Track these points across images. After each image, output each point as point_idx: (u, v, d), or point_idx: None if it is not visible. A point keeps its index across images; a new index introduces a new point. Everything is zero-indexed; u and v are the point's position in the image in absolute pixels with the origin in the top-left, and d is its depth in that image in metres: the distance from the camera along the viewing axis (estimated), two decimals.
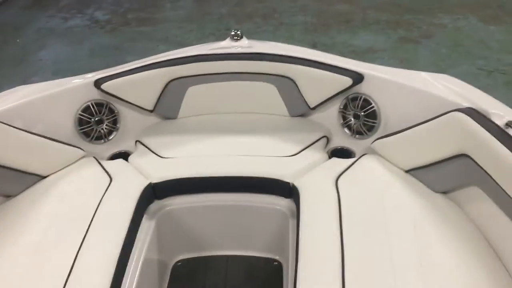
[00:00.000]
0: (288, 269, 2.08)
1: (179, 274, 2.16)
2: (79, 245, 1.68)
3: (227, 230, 2.18)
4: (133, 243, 1.81)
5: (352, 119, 2.24)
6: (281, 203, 2.03)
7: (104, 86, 2.17)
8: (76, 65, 5.03)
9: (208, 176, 2.03)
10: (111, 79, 2.19)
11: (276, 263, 2.18)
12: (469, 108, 1.76)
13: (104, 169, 2.07)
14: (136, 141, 2.31)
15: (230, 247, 2.22)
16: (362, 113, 2.19)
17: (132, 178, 2.01)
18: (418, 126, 1.89)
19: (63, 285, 1.52)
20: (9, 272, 1.60)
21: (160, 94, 2.31)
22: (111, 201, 1.88)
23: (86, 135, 2.25)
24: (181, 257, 2.23)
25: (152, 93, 2.30)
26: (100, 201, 1.88)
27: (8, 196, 1.99)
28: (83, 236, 1.72)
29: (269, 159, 2.09)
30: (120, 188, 1.95)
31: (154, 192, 2.01)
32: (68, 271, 1.58)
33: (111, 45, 5.52)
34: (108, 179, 2.01)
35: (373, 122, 2.17)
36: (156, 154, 2.16)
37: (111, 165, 2.11)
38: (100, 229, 1.75)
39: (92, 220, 1.78)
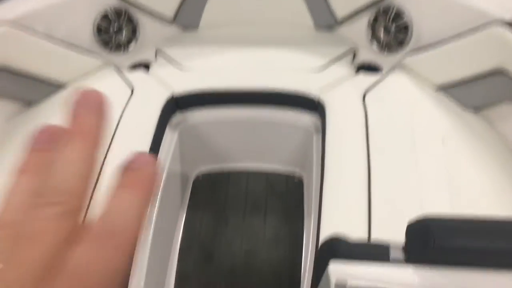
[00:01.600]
0: (310, 184, 2.09)
1: (200, 186, 2.18)
2: (104, 156, 1.68)
3: (248, 145, 2.17)
4: (157, 155, 1.81)
5: (382, 32, 2.13)
6: (305, 118, 2.00)
7: None
8: None
9: (231, 89, 1.98)
10: None
11: (297, 178, 2.18)
12: (510, 22, 1.65)
13: (125, 79, 2.03)
14: (157, 52, 2.23)
15: (251, 161, 2.23)
16: (393, 27, 2.08)
17: (154, 89, 1.97)
18: (453, 41, 1.79)
19: (89, 196, 1.54)
20: None
21: (181, 2, 2.21)
22: (134, 112, 1.86)
23: (105, 44, 2.18)
24: (202, 170, 2.24)
25: (172, 1, 2.20)
26: (122, 112, 1.86)
27: (29, 104, 1.97)
28: (106, 148, 1.72)
29: (294, 73, 2.02)
30: (142, 99, 1.92)
31: (177, 104, 1.98)
32: (94, 181, 1.59)
33: None
34: (129, 90, 1.97)
35: (404, 37, 2.06)
36: (178, 65, 2.10)
37: (132, 76, 2.06)
38: (123, 141, 1.74)
39: (115, 132, 1.77)
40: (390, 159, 1.61)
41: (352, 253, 0.93)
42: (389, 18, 2.07)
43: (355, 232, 1.40)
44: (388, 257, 0.92)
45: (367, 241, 1.22)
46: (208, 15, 2.30)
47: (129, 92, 1.96)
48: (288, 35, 2.25)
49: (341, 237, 1.00)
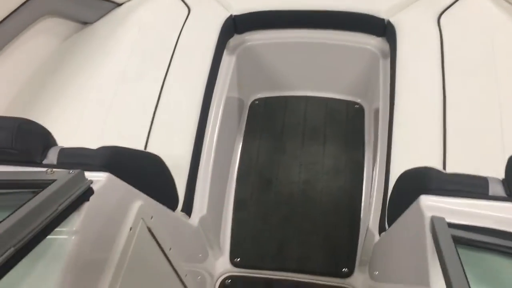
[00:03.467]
0: (372, 112, 2.00)
1: (256, 112, 2.12)
2: (163, 78, 1.63)
3: (308, 70, 2.06)
4: (216, 79, 1.75)
5: None
6: (372, 41, 1.86)
7: None
8: None
9: (293, 10, 1.85)
10: None
11: (358, 106, 2.09)
12: None
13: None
14: None
15: (310, 87, 2.13)
16: None
17: (211, 9, 1.86)
18: None
19: (151, 117, 1.51)
20: (98, 99, 1.59)
21: None
22: (191, 33, 1.78)
23: None
24: (258, 95, 2.17)
25: None
26: (180, 33, 1.78)
27: (85, 23, 1.92)
28: (166, 69, 1.66)
29: None
30: (200, 20, 1.82)
31: (235, 25, 1.88)
32: (155, 102, 1.56)
33: None
34: (186, 9, 1.87)
35: None
36: None
37: None
38: (182, 63, 1.68)
39: (173, 53, 1.71)
40: (468, 88, 1.49)
41: (446, 186, 0.86)
42: None
43: (429, 164, 1.33)
44: (487, 192, 0.84)
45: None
46: None
47: (186, 11, 1.86)
48: None
49: (432, 167, 0.92)
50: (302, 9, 1.84)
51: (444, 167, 1.33)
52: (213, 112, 1.69)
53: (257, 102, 2.15)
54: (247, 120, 2.10)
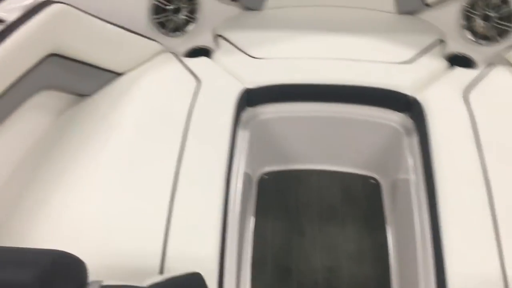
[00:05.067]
0: (389, 189, 1.89)
1: (267, 187, 1.97)
2: (176, 160, 1.46)
3: (321, 143, 1.94)
4: (233, 157, 1.59)
5: (480, 20, 1.88)
6: (393, 117, 1.77)
7: None
8: None
9: (308, 84, 1.75)
10: None
11: (374, 181, 1.97)
12: None
13: (188, 68, 1.78)
14: (217, 36, 1.98)
15: (323, 161, 2.00)
16: (494, 14, 1.83)
17: (224, 82, 1.73)
18: None
19: (169, 199, 1.33)
20: (101, 186, 1.39)
21: None
22: (205, 107, 1.62)
23: (161, 25, 1.92)
24: (267, 169, 2.02)
25: None
26: (191, 106, 1.62)
27: (82, 95, 1.72)
28: (179, 144, 1.49)
29: (378, 65, 1.78)
30: (213, 93, 1.68)
31: (248, 98, 1.74)
32: (172, 183, 1.38)
33: None
34: (194, 80, 1.73)
35: (507, 26, 1.82)
36: (245, 53, 1.84)
37: (195, 64, 1.81)
38: (199, 138, 1.52)
39: (185, 131, 1.54)
40: (510, 170, 1.41)
41: None
42: (489, 4, 1.82)
43: (486, 263, 1.21)
44: None
45: None
46: None
47: (194, 82, 1.71)
48: (369, 20, 2.00)
49: None
50: (318, 83, 1.74)
51: (503, 267, 1.21)
52: (233, 198, 1.52)
53: (266, 176, 2.00)
54: (257, 197, 1.94)
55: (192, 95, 1.67)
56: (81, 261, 0.79)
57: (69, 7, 1.55)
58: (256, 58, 1.82)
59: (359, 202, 1.90)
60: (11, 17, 1.46)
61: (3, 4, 1.51)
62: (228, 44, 1.90)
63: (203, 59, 1.84)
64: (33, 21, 1.46)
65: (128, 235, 1.26)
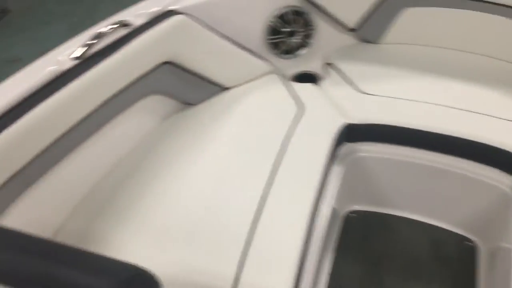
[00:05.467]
0: (490, 256, 1.71)
1: (352, 226, 1.88)
2: (268, 175, 1.44)
3: (417, 192, 1.82)
4: (323, 188, 1.54)
5: None
6: (504, 180, 1.60)
7: None
8: None
9: (416, 129, 1.64)
10: None
11: (470, 243, 1.80)
12: None
13: (292, 92, 1.76)
14: (328, 64, 1.94)
15: (415, 210, 1.88)
16: None
17: (326, 112, 1.68)
18: None
19: (251, 222, 1.31)
20: (190, 195, 1.41)
21: (369, 11, 1.88)
22: (302, 135, 1.59)
23: (274, 46, 1.92)
24: (356, 207, 1.93)
25: (360, 8, 1.88)
26: (289, 131, 1.60)
27: (188, 104, 1.78)
28: (271, 167, 1.47)
29: (496, 121, 1.63)
30: (313, 122, 1.64)
31: (348, 133, 1.68)
32: (257, 206, 1.35)
33: None
34: (297, 105, 1.70)
35: None
36: (354, 86, 1.79)
37: (300, 90, 1.79)
38: (292, 165, 1.49)
39: (282, 152, 1.52)
40: None
41: None
42: None
43: None
44: None
45: None
46: (396, 31, 1.95)
47: (296, 108, 1.69)
48: (498, 72, 1.84)
49: None
50: (427, 130, 1.63)
51: None
52: (316, 232, 1.46)
53: (354, 215, 1.91)
54: (340, 234, 1.86)
55: (292, 120, 1.64)
56: (158, 282, 0.79)
57: (190, 19, 1.61)
58: (364, 93, 1.75)
59: (449, 262, 1.75)
60: (137, 22, 1.54)
61: (132, 9, 1.60)
62: (337, 74, 1.86)
63: (309, 86, 1.82)
64: (155, 29, 1.53)
65: (206, 251, 1.26)
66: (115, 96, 1.49)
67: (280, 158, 1.51)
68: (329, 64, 1.93)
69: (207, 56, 1.70)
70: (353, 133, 1.68)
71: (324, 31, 1.95)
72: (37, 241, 0.86)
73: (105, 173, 1.55)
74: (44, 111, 1.26)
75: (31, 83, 1.31)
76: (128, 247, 1.29)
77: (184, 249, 1.27)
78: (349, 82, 1.81)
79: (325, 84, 1.83)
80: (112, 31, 1.47)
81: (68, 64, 1.38)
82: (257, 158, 1.52)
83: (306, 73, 1.96)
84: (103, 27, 1.47)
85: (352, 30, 1.94)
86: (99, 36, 1.44)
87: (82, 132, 1.44)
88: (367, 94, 1.75)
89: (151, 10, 1.59)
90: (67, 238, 1.36)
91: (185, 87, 1.72)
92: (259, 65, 1.83)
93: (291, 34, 1.91)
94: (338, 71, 1.87)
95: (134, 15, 1.56)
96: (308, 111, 1.68)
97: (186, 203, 1.40)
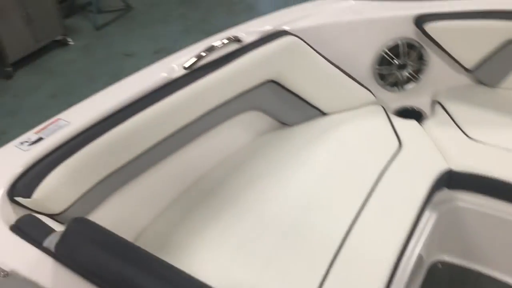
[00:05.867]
0: None
1: (437, 279, 1.77)
2: (357, 209, 1.39)
3: None
4: (413, 233, 1.46)
5: None
6: None
7: (428, 27, 1.70)
8: None
9: None
10: (439, 20, 1.70)
11: None
12: None
13: (394, 127, 1.69)
14: (436, 102, 1.84)
15: (510, 273, 1.72)
16: None
17: (427, 153, 1.59)
18: None
19: (332, 256, 1.26)
20: (272, 216, 1.40)
21: (490, 53, 1.76)
22: (399, 173, 1.52)
23: (381, 77, 1.86)
24: (445, 258, 1.81)
25: (480, 49, 1.76)
26: (385, 168, 1.53)
27: (284, 124, 1.78)
28: (361, 203, 1.42)
29: None
30: (412, 161, 1.56)
31: (449, 180, 1.58)
32: (340, 241, 1.31)
33: None
34: (397, 142, 1.63)
35: None
36: (461, 130, 1.67)
37: (403, 126, 1.71)
38: (383, 204, 1.42)
39: (374, 186, 1.47)
40: None
41: None
42: None
43: None
44: None
45: None
46: None
47: (396, 144, 1.62)
48: None
49: None
50: None
51: None
52: (399, 278, 1.39)
53: (440, 266, 1.79)
54: (423, 284, 1.75)
55: (389, 157, 1.58)
56: None
57: (300, 41, 1.61)
58: (472, 139, 1.63)
59: None
60: (248, 39, 1.57)
61: (244, 26, 1.64)
62: (445, 114, 1.76)
63: (412, 123, 1.73)
64: (266, 47, 1.55)
65: (283, 276, 1.24)
66: (217, 108, 1.53)
67: (372, 192, 1.46)
68: (437, 103, 1.83)
69: (312, 79, 1.69)
70: (454, 181, 1.57)
71: (437, 68, 1.86)
72: (120, 242, 0.90)
73: (193, 182, 1.59)
74: (149, 115, 1.32)
75: (143, 86, 1.38)
76: (205, 258, 1.31)
77: (261, 270, 1.26)
78: (457, 125, 1.70)
79: (430, 123, 1.74)
80: (224, 45, 1.51)
81: (179, 72, 1.44)
82: (348, 189, 1.48)
83: (411, 109, 1.88)
84: (216, 40, 1.52)
85: (468, 70, 1.82)
86: (211, 49, 1.49)
87: (179, 140, 1.50)
88: (475, 140, 1.63)
89: (263, 29, 1.61)
90: (147, 243, 1.41)
91: (285, 107, 1.72)
92: (362, 94, 1.79)
93: (402, 66, 1.84)
94: (446, 111, 1.77)
95: (246, 32, 1.59)
96: (408, 149, 1.60)
97: (268, 223, 1.39)
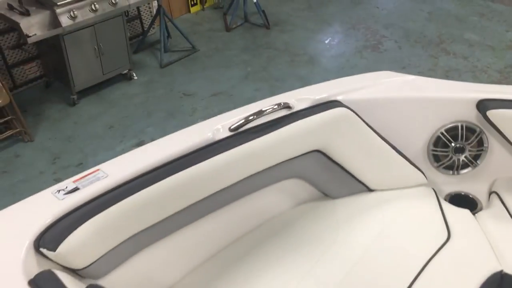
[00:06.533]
0: None
1: None
2: None
3: None
4: None
5: None
6: None
7: (491, 113, 1.60)
8: (409, 25, 4.63)
9: None
10: (503, 107, 1.60)
11: None
12: None
13: (444, 215, 1.58)
14: (493, 192, 1.71)
15: None
16: None
17: (478, 250, 1.46)
18: None
19: None
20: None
21: None
22: (444, 269, 1.40)
23: (436, 158, 1.76)
24: None
25: None
26: (431, 259, 1.42)
27: (326, 195, 1.71)
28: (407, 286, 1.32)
29: None
30: (460, 258, 1.44)
31: (501, 284, 1.43)
32: None
33: (455, 14, 4.78)
34: (446, 232, 1.51)
35: None
36: None
37: (454, 214, 1.59)
38: None
39: (417, 279, 1.35)
40: None
41: None
42: None
43: None
44: None
45: None
46: None
47: (445, 235, 1.50)
48: None
49: None
50: None
51: None
52: None
53: None
54: None
55: (436, 249, 1.46)
56: None
57: (352, 113, 1.56)
58: None
59: None
60: (299, 106, 1.53)
61: (294, 92, 1.61)
62: (502, 207, 1.62)
63: (465, 213, 1.61)
64: (316, 117, 1.51)
65: None
66: (259, 173, 1.49)
67: (414, 283, 1.35)
68: (495, 193, 1.70)
69: (360, 153, 1.62)
70: (507, 284, 1.43)
71: (497, 156, 1.73)
72: None
73: (225, 244, 1.55)
74: (187, 176, 1.30)
75: (187, 145, 1.37)
76: None
77: None
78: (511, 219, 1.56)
79: (484, 215, 1.61)
80: (273, 110, 1.48)
81: (224, 134, 1.42)
82: (387, 279, 1.37)
83: (465, 195, 1.76)
84: (266, 105, 1.50)
85: None
86: (259, 113, 1.46)
87: (216, 202, 1.47)
88: None
89: (315, 97, 1.58)
90: None
91: (329, 178, 1.65)
92: (413, 174, 1.69)
93: (459, 150, 1.74)
94: (504, 204, 1.63)
95: (297, 99, 1.56)
96: (458, 242, 1.48)
97: None
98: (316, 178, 1.65)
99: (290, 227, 1.58)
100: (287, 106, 1.52)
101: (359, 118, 1.58)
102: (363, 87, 1.68)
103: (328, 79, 4.48)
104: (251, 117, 1.45)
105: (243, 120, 1.44)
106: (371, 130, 1.60)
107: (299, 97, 1.57)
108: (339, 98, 1.60)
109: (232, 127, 1.43)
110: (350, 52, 4.32)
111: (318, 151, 1.58)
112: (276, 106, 1.49)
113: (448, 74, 3.88)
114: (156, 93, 3.87)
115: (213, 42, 4.57)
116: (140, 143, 3.30)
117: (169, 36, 4.48)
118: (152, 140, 3.37)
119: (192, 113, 3.61)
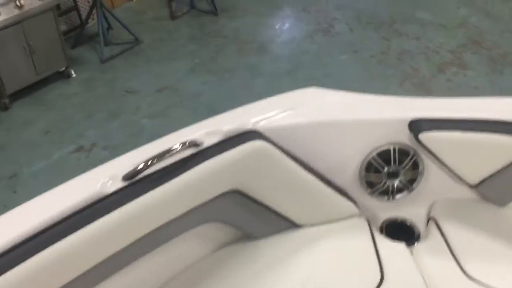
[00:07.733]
0: None
1: None
2: None
3: None
4: None
5: None
6: None
7: (423, 136, 1.45)
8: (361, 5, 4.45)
9: None
10: (436, 128, 1.45)
11: None
12: None
13: (377, 251, 1.45)
14: (431, 219, 1.59)
15: None
16: None
17: None
18: None
19: None
20: None
21: (496, 171, 1.50)
22: None
23: (369, 184, 1.62)
24: None
25: (486, 166, 1.50)
26: None
27: (248, 236, 1.55)
28: None
29: None
30: None
31: None
32: None
33: None
34: (379, 273, 1.38)
35: None
36: (456, 261, 1.42)
37: (388, 250, 1.47)
38: None
39: None
40: None
41: None
42: None
43: None
44: None
45: None
46: None
47: (378, 275, 1.37)
48: None
49: None
50: None
51: None
52: None
53: None
54: None
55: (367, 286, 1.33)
56: None
57: (270, 146, 1.38)
58: (469, 276, 1.37)
59: None
60: (208, 141, 1.35)
61: (202, 124, 1.42)
62: (440, 238, 1.50)
63: (399, 248, 1.48)
64: (229, 154, 1.33)
65: None
66: (169, 222, 1.31)
67: None
68: (433, 221, 1.57)
69: (284, 189, 1.46)
70: None
71: (434, 179, 1.61)
72: None
73: None
74: (95, 231, 1.12)
75: (72, 202, 1.18)
76: None
77: None
78: (453, 254, 1.44)
79: (421, 249, 1.49)
80: (178, 151, 1.28)
81: (116, 185, 1.22)
82: None
83: (401, 222, 1.63)
84: (168, 144, 1.29)
85: (471, 186, 1.56)
86: (160, 156, 1.25)
87: (129, 255, 1.29)
88: (472, 279, 1.37)
89: (227, 128, 1.39)
90: None
91: (251, 218, 1.50)
92: (344, 205, 1.55)
93: (392, 174, 1.60)
94: (442, 234, 1.51)
95: (206, 133, 1.37)
96: (392, 284, 1.35)
97: None
98: (236, 220, 1.48)
99: (208, 277, 1.42)
100: (193, 144, 1.32)
101: (277, 151, 1.40)
102: (284, 111, 1.51)
103: (279, 68, 4.28)
104: (149, 162, 1.24)
105: (141, 165, 1.23)
106: (293, 162, 1.44)
107: (208, 130, 1.38)
108: (254, 127, 1.42)
109: (126, 175, 1.23)
110: (301, 37, 4.12)
111: (234, 191, 1.41)
112: (180, 146, 1.28)
113: (400, 57, 3.74)
114: (97, 92, 3.63)
115: (158, 32, 4.29)
116: (79, 149, 3.08)
117: (109, 27, 4.19)
118: (93, 145, 3.20)
119: (136, 112, 3.40)
